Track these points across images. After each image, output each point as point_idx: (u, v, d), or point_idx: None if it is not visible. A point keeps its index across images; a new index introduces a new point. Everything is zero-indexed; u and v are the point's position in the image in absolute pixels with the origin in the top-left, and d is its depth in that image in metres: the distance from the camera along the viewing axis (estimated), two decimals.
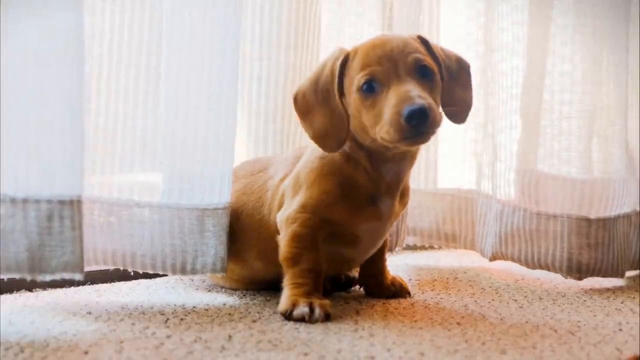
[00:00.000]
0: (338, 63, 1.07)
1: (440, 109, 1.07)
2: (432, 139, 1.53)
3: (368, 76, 1.02)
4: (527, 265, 1.41)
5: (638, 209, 1.47)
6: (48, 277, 0.97)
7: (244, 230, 1.17)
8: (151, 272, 1.15)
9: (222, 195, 1.14)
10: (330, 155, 1.10)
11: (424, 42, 1.09)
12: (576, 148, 1.43)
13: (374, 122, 1.02)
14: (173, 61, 1.12)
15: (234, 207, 1.17)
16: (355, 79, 1.04)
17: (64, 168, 0.98)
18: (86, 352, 0.86)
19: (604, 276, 1.38)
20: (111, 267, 1.15)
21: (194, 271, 1.14)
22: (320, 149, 1.09)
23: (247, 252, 1.17)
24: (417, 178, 1.57)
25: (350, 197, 1.08)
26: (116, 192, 1.13)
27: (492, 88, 1.48)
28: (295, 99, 1.10)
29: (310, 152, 1.13)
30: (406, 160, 1.10)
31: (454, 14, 1.61)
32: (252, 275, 1.21)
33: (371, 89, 1.02)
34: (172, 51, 1.12)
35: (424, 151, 1.57)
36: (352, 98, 1.05)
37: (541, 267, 1.40)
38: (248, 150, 1.36)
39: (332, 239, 1.11)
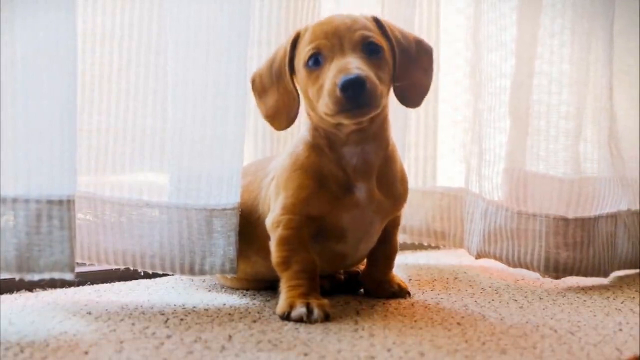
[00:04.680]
0: (289, 42, 1.09)
1: (392, 90, 1.10)
2: (427, 136, 1.58)
3: (313, 50, 1.05)
4: (508, 264, 1.42)
5: (633, 208, 1.47)
6: (37, 277, 0.97)
7: (246, 226, 1.17)
8: (160, 272, 1.16)
9: (230, 195, 1.14)
10: (296, 150, 1.11)
11: (377, 22, 1.10)
12: (560, 148, 1.42)
13: (317, 97, 1.04)
14: (180, 60, 1.12)
15: (241, 203, 1.17)
16: (302, 54, 1.06)
17: (54, 168, 0.98)
18: (86, 352, 0.86)
19: (584, 275, 1.38)
20: (122, 267, 1.16)
21: (202, 272, 1.14)
22: (293, 148, 1.12)
23: (249, 247, 1.17)
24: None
25: (324, 187, 1.09)
26: (127, 192, 1.14)
27: (485, 88, 1.48)
28: (253, 81, 1.14)
29: (284, 152, 1.15)
30: (368, 142, 1.10)
31: (456, 13, 1.61)
32: (254, 272, 1.21)
33: (317, 63, 1.05)
34: (178, 50, 1.12)
35: (413, 149, 1.58)
36: (300, 74, 1.07)
37: (521, 266, 1.40)
38: None
39: (320, 236, 1.11)
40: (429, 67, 1.14)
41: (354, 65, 1.00)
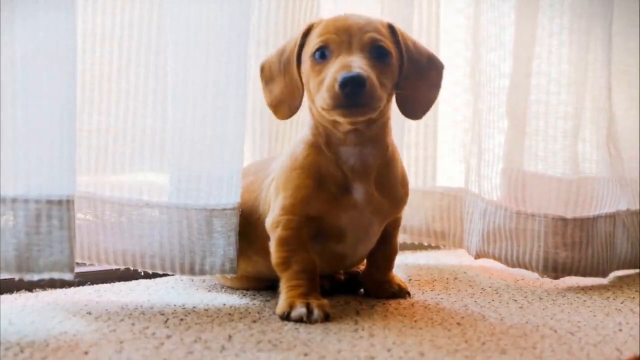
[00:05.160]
0: (301, 32, 1.10)
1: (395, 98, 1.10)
2: (427, 136, 1.58)
3: (321, 43, 1.05)
4: (507, 264, 1.42)
5: (632, 208, 1.47)
6: (36, 277, 0.97)
7: (247, 226, 1.17)
8: (160, 272, 1.16)
9: (230, 196, 1.14)
10: (296, 150, 1.12)
11: (391, 29, 1.11)
12: (559, 148, 1.42)
13: (317, 90, 1.04)
14: (180, 60, 1.12)
15: (241, 203, 1.17)
16: (311, 45, 1.07)
17: (53, 168, 0.98)
18: (86, 352, 0.86)
19: (582, 275, 1.38)
20: (122, 267, 1.16)
21: (202, 272, 1.14)
22: (294, 148, 1.12)
23: (250, 247, 1.17)
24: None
25: (323, 187, 1.09)
26: (127, 192, 1.14)
27: (484, 88, 1.48)
28: (262, 68, 1.15)
29: (285, 152, 1.15)
30: (366, 145, 1.10)
31: (456, 13, 1.61)
32: (256, 271, 1.21)
33: (323, 56, 1.05)
34: (178, 50, 1.12)
35: (413, 149, 1.58)
36: (305, 65, 1.08)
37: (520, 266, 1.40)
38: None
39: (319, 236, 1.11)
40: (436, 83, 1.14)
41: (357, 64, 1.01)
